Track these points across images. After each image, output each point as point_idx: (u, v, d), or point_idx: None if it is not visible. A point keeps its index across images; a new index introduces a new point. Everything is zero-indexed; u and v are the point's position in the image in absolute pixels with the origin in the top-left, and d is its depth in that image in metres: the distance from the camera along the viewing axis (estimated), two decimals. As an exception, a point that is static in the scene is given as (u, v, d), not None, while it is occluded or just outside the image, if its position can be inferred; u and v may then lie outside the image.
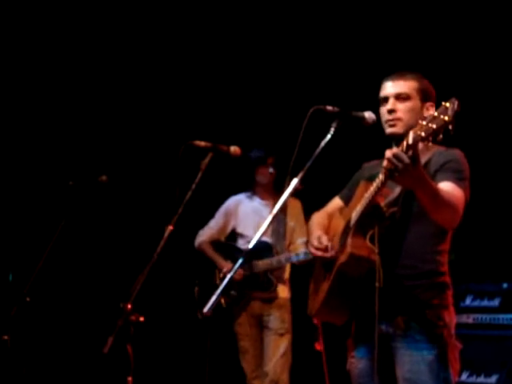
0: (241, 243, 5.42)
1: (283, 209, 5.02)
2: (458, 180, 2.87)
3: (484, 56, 5.67)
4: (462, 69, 5.65)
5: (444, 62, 5.64)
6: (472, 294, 5.85)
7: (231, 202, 5.52)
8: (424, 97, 3.04)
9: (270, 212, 5.28)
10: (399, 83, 3.05)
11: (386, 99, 3.06)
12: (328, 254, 3.01)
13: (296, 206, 5.37)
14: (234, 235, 5.51)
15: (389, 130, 3.03)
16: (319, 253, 3.03)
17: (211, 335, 5.08)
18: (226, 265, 5.28)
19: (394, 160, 2.53)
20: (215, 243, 5.47)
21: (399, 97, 3.03)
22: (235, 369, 5.36)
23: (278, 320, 5.24)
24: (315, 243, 3.06)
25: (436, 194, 2.69)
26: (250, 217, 5.35)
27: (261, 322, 5.31)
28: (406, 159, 2.52)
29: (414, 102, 3.03)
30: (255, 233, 5.25)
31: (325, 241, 3.04)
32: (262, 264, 5.22)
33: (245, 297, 5.28)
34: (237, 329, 5.35)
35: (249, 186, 5.50)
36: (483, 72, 5.67)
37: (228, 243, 5.49)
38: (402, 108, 3.02)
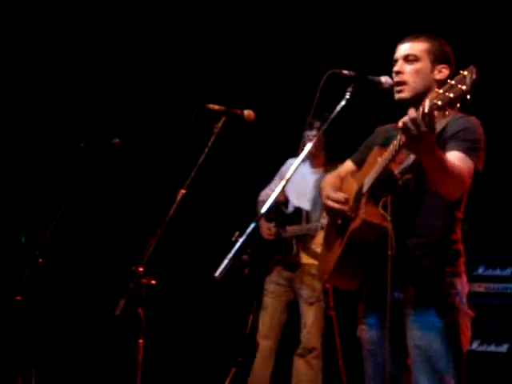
0: (287, 207, 5.48)
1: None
2: (469, 150, 2.81)
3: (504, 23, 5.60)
4: (482, 34, 5.56)
5: (467, 27, 5.56)
6: (484, 263, 5.85)
7: (287, 164, 5.48)
8: (435, 59, 2.97)
9: (315, 180, 5.35)
10: (409, 45, 3.01)
11: (396, 61, 3.02)
12: (345, 208, 2.96)
13: None
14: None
15: (396, 97, 3.00)
16: (336, 205, 2.99)
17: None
18: (263, 224, 5.36)
19: (411, 125, 2.49)
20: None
21: (407, 58, 2.99)
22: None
23: (307, 288, 5.26)
24: (333, 195, 3.01)
25: (443, 166, 2.64)
26: (295, 183, 5.16)
27: (292, 287, 5.35)
28: (423, 125, 2.47)
29: (423, 64, 2.97)
30: (296, 199, 5.43)
31: (341, 196, 3.00)
32: (290, 230, 5.31)
33: (273, 258, 5.38)
34: (265, 285, 5.41)
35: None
36: (503, 38, 5.59)
37: (277, 206, 5.46)
38: (408, 70, 2.97)
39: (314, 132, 5.08)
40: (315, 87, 2.95)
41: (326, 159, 5.36)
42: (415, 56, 2.97)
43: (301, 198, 5.40)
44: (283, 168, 5.52)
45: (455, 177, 2.70)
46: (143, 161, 6.44)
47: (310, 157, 5.34)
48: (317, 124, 5.07)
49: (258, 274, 5.31)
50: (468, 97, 2.40)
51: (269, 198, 5.33)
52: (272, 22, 6.33)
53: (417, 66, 2.97)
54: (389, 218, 2.79)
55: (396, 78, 2.99)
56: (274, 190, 5.35)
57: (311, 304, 5.26)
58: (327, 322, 5.27)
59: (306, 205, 5.36)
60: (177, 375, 6.34)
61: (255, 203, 5.64)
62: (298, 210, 5.39)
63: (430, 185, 2.74)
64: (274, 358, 5.41)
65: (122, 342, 4.80)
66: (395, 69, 3.00)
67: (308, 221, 5.32)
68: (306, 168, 5.37)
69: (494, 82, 5.23)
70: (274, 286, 5.40)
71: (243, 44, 6.42)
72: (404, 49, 3.01)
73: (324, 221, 4.93)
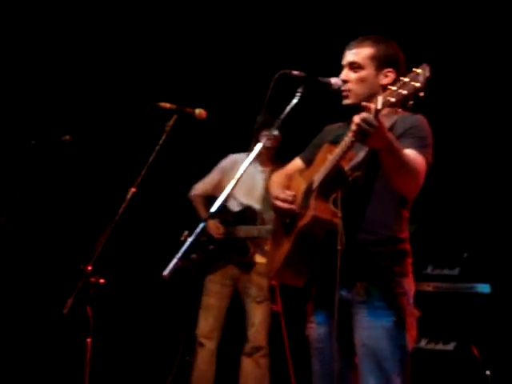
0: (231, 204, 5.38)
1: None
2: (420, 147, 2.85)
3: (456, 22, 5.67)
4: (434, 34, 5.63)
5: (418, 26, 5.62)
6: (433, 262, 5.92)
7: (228, 160, 5.45)
8: (380, 64, 3.00)
9: (264, 179, 5.30)
10: (353, 52, 3.03)
11: (343, 68, 3.06)
12: (294, 207, 2.97)
13: None
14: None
15: (343, 102, 3.04)
16: (285, 205, 2.99)
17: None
18: (210, 223, 5.25)
19: (364, 124, 2.51)
20: (209, 199, 5.39)
21: (351, 66, 3.02)
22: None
23: (256, 287, 5.26)
24: (281, 195, 3.01)
25: (401, 159, 2.69)
26: (243, 181, 5.13)
27: (237, 286, 5.34)
28: (376, 122, 2.51)
29: (367, 72, 3.00)
30: (245, 197, 5.37)
31: (289, 194, 3.00)
32: (243, 230, 5.28)
33: (223, 258, 5.32)
34: (207, 284, 5.35)
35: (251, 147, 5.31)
36: (456, 38, 5.66)
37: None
38: (353, 78, 3.01)
39: (274, 131, 5.06)
40: (266, 87, 2.97)
41: (274, 158, 5.36)
42: (358, 64, 3.00)
43: (250, 197, 5.38)
44: (223, 162, 5.48)
45: (412, 170, 2.75)
46: (93, 158, 6.40)
47: (260, 156, 5.33)
48: (277, 124, 5.06)
49: (203, 272, 5.32)
50: (421, 94, 2.43)
51: (204, 192, 5.39)
52: (224, 22, 6.34)
53: (361, 73, 3.00)
54: (339, 214, 2.80)
55: (343, 86, 3.02)
56: (210, 184, 5.40)
57: (259, 303, 5.27)
58: (273, 320, 5.29)
59: (255, 204, 5.35)
60: (125, 373, 6.32)
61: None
62: (247, 208, 5.38)
63: (389, 180, 2.78)
64: (216, 358, 5.38)
65: (70, 341, 4.76)
66: (341, 77, 3.03)
67: (262, 222, 5.29)
68: (255, 167, 5.36)
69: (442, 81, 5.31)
70: (219, 286, 5.35)
71: (195, 43, 6.42)
72: (349, 56, 3.04)
73: None
